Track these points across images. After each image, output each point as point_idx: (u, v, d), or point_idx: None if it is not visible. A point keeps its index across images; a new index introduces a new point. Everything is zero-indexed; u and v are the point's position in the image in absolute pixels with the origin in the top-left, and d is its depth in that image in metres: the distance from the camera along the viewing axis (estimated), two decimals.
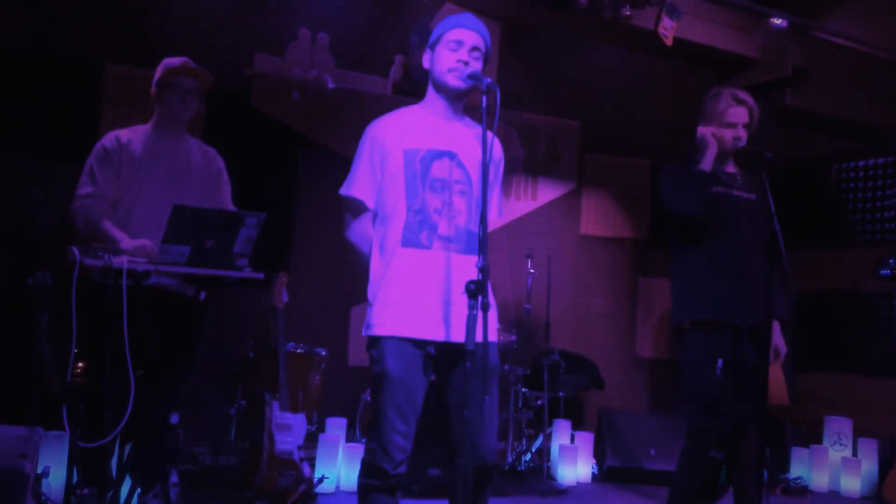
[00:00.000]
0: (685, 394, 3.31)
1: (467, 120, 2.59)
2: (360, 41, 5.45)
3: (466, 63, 2.44)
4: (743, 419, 3.25)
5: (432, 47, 2.53)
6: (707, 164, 3.24)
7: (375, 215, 2.54)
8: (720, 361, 3.16)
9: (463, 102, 2.56)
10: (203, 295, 3.18)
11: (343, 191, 2.55)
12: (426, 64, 2.54)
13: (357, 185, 2.52)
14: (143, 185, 3.21)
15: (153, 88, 3.33)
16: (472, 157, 2.49)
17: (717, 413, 3.19)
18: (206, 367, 4.42)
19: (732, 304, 3.21)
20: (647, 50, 5.16)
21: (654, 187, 3.44)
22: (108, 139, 3.25)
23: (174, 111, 3.30)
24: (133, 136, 3.29)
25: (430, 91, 2.56)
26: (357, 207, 2.55)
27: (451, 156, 2.48)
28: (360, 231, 2.56)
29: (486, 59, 2.53)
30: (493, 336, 2.53)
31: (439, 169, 2.46)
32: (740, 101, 3.30)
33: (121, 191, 3.19)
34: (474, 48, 2.47)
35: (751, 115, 3.31)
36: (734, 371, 3.21)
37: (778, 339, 3.32)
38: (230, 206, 3.42)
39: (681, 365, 3.36)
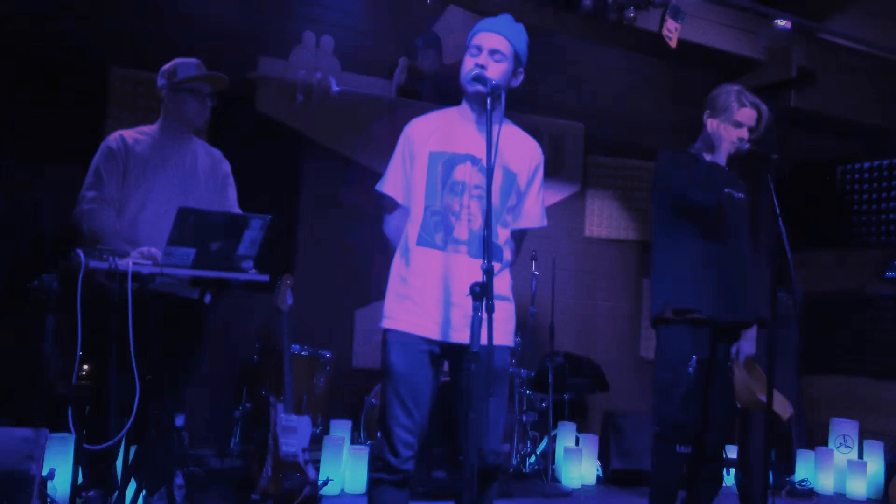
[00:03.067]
0: (657, 387, 3.30)
1: (506, 125, 2.57)
2: (364, 44, 5.46)
3: (483, 66, 2.45)
4: (712, 418, 3.26)
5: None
6: (722, 157, 3.23)
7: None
8: (694, 359, 3.16)
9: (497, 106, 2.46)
10: (208, 298, 3.17)
11: (377, 187, 2.61)
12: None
13: (389, 183, 2.58)
14: (150, 188, 3.19)
15: (164, 91, 3.27)
16: (497, 163, 2.47)
17: (685, 408, 3.19)
18: (211, 369, 4.43)
19: (717, 300, 3.21)
20: (651, 52, 5.16)
21: (657, 175, 3.41)
22: (113, 139, 3.21)
23: (192, 116, 3.28)
24: (139, 137, 3.25)
25: (464, 97, 2.59)
26: (389, 204, 2.61)
27: (474, 160, 2.49)
28: (393, 226, 2.63)
29: (516, 60, 2.51)
30: (507, 340, 2.56)
31: (461, 172, 2.49)
32: (753, 105, 3.29)
33: (127, 193, 3.17)
34: (493, 51, 2.47)
35: (758, 121, 3.30)
36: (707, 370, 3.22)
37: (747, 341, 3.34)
38: (236, 209, 3.42)
39: (656, 357, 3.36)
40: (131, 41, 4.80)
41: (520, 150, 2.59)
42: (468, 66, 2.49)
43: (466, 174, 2.49)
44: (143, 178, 3.19)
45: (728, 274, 3.24)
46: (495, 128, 2.25)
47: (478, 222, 2.47)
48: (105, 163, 3.17)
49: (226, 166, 3.46)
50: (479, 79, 2.40)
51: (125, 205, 3.17)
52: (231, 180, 3.46)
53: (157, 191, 3.19)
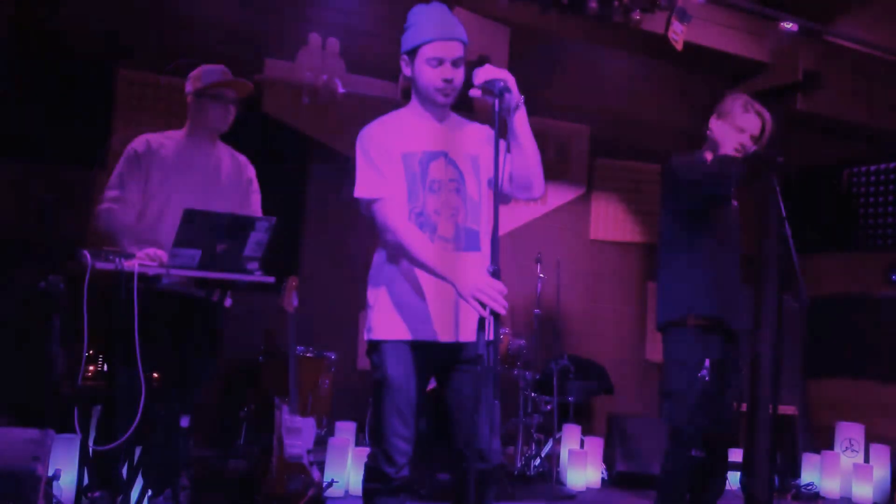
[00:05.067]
0: (668, 391, 3.31)
1: (453, 116, 2.59)
2: (370, 46, 5.46)
3: (451, 80, 2.43)
4: (723, 420, 3.27)
5: (410, 56, 2.47)
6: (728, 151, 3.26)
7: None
8: (707, 362, 3.18)
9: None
10: (216, 297, 3.16)
11: (358, 194, 2.47)
12: (406, 71, 2.50)
13: (369, 185, 2.44)
14: (172, 192, 3.19)
15: (190, 97, 3.29)
16: (461, 154, 2.51)
17: (700, 412, 3.20)
18: (216, 370, 4.43)
19: (730, 306, 3.25)
20: (657, 54, 5.16)
21: (669, 179, 3.43)
22: (138, 142, 3.24)
23: (216, 122, 3.30)
24: (165, 141, 3.28)
25: (416, 97, 2.54)
26: (374, 199, 2.45)
27: (445, 155, 2.50)
28: (395, 217, 2.41)
29: (464, 49, 2.46)
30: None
31: (436, 170, 2.47)
32: (757, 113, 3.30)
33: (149, 196, 3.19)
34: (455, 60, 2.43)
35: (762, 129, 3.30)
36: (720, 373, 3.23)
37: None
38: (258, 215, 3.40)
39: (667, 362, 3.37)
40: (138, 43, 4.81)
41: (473, 135, 2.58)
42: (433, 79, 2.42)
43: (441, 171, 2.47)
44: (166, 182, 3.21)
45: (731, 279, 3.29)
46: (451, 122, 2.41)
47: (459, 216, 2.47)
48: (128, 165, 3.20)
49: (250, 171, 3.46)
50: (489, 84, 2.35)
51: (147, 207, 3.19)
52: (255, 186, 3.45)
53: (179, 194, 3.18)
